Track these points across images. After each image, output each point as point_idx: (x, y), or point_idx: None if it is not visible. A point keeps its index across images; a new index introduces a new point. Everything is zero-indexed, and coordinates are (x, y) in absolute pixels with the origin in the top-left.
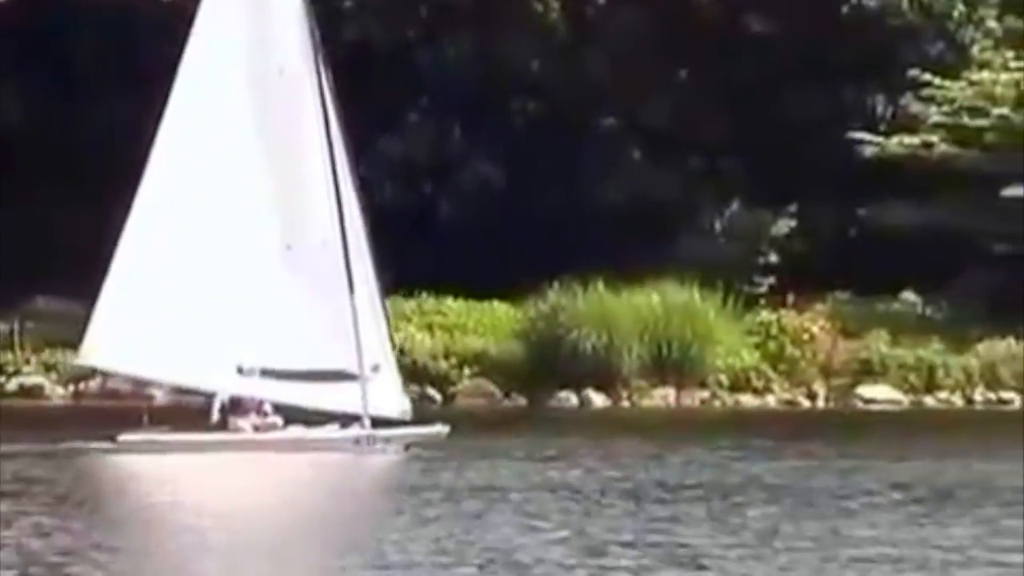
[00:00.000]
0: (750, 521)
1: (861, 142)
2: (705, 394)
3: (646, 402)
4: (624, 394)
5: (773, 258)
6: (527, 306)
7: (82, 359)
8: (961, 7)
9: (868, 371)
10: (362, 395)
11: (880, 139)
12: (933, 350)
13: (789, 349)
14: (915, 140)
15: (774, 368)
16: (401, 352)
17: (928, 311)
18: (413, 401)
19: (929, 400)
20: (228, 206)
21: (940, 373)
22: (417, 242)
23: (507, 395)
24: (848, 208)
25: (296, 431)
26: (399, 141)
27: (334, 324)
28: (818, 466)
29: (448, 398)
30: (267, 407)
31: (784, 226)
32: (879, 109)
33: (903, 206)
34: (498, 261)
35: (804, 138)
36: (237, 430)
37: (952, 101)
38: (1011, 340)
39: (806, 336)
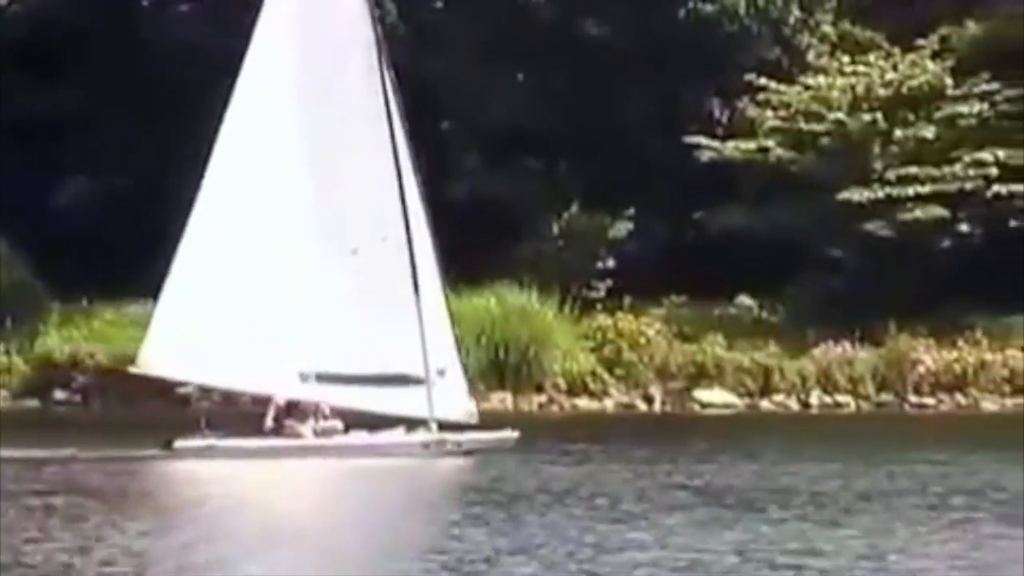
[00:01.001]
0: (534, 526)
1: (698, 146)
2: (543, 398)
3: (484, 405)
4: None
5: (610, 262)
6: None
7: (141, 367)
8: (797, 12)
9: (704, 374)
10: (428, 399)
11: (717, 143)
12: (768, 353)
13: (626, 353)
14: (751, 144)
15: (611, 372)
16: None
17: (764, 315)
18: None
19: (765, 403)
20: (289, 209)
21: (775, 376)
22: None
23: None
24: (685, 212)
25: (360, 436)
26: None
27: (400, 327)
28: (624, 469)
29: None
30: (325, 410)
31: (621, 230)
32: (716, 113)
33: (739, 210)
34: None
35: (641, 142)
36: (295, 434)
37: (788, 106)
38: (846, 344)
39: (642, 340)
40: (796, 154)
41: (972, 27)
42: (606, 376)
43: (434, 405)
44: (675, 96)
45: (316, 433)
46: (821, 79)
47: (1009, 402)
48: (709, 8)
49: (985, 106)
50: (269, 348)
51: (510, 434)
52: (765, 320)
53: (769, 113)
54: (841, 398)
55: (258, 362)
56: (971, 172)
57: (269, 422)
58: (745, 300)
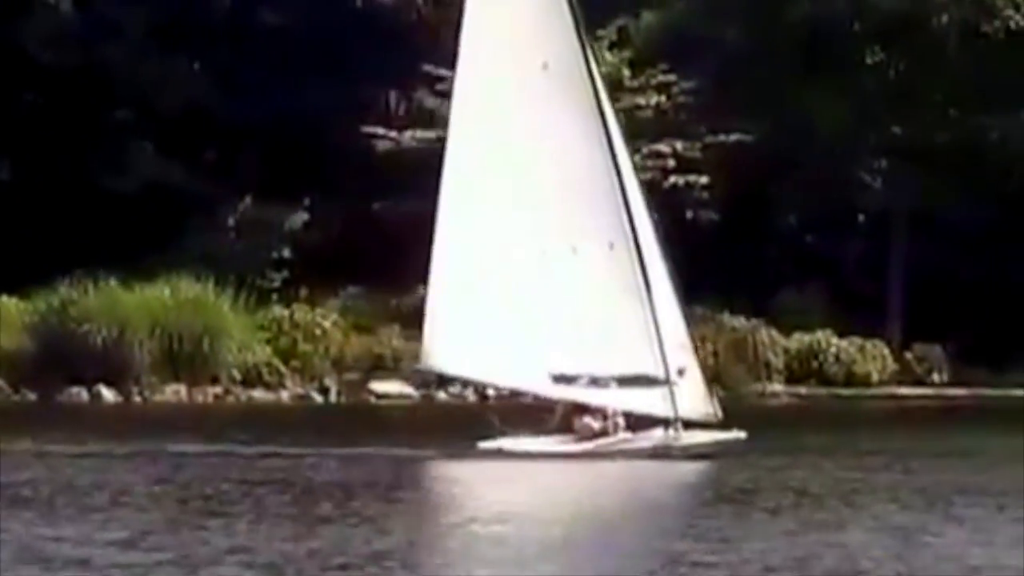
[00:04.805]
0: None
1: (375, 136)
2: (218, 389)
3: (158, 397)
4: (135, 389)
5: (287, 252)
6: (37, 300)
7: (423, 363)
8: None
9: (381, 366)
10: (671, 399)
11: (394, 133)
12: None
13: (302, 344)
14: (430, 134)
15: (287, 363)
16: None
17: None
18: None
19: (441, 394)
20: (519, 210)
21: None
22: None
23: (16, 390)
24: (361, 202)
25: (621, 437)
26: None
27: (633, 327)
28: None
29: None
30: (615, 409)
31: (298, 220)
32: (393, 103)
33: (416, 200)
34: (7, 255)
35: (319, 132)
36: (584, 429)
37: None
38: None
39: (318, 331)
40: None
41: (649, 18)
42: (282, 367)
43: (677, 406)
44: (353, 85)
45: (598, 433)
46: None
47: None
48: None
49: (663, 98)
50: (523, 348)
51: (739, 433)
52: None
53: (447, 103)
54: None
55: (514, 360)
56: (649, 163)
57: (556, 422)
58: (423, 291)
